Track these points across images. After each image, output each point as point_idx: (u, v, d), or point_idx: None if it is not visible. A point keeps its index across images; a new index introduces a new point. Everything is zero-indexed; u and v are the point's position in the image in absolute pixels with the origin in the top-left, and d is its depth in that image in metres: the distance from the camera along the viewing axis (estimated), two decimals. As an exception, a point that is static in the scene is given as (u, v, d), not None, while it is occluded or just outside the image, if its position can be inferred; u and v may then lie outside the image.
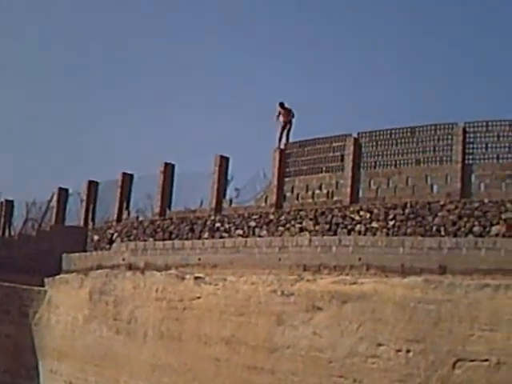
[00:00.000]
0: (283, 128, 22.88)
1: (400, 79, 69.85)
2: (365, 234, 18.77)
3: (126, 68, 78.38)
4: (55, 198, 30.39)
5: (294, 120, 23.17)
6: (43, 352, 24.14)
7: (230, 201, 23.75)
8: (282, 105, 23.16)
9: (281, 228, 20.90)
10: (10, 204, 33.53)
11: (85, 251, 26.66)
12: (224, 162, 24.37)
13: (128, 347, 20.68)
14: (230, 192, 24.28)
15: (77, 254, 25.95)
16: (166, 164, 26.15)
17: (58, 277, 25.27)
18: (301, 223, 20.45)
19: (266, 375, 17.14)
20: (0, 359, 24.48)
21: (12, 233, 32.21)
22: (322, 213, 19.99)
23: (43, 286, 25.47)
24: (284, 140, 22.94)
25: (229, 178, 24.52)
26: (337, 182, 20.68)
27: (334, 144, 21.14)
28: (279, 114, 23.17)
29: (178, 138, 71.04)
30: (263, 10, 74.32)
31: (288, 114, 23.06)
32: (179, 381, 18.97)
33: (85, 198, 29.11)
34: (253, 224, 21.83)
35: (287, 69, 73.36)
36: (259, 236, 20.97)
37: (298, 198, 21.52)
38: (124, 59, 75.83)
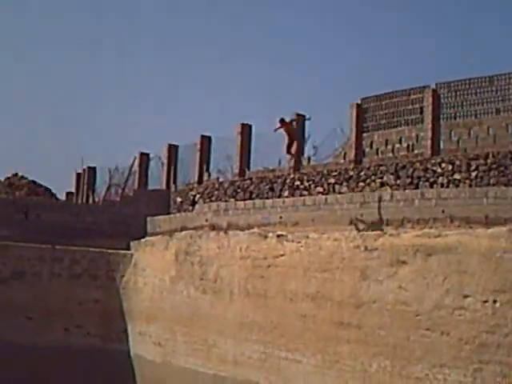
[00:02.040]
0: (290, 142, 21.82)
1: (473, 27, 68.40)
2: (447, 186, 18.62)
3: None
4: (137, 162, 30.89)
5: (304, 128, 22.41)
6: (131, 315, 24.63)
7: (309, 158, 23.78)
8: (282, 120, 22.24)
9: (361, 184, 20.87)
10: (92, 171, 34.27)
11: (168, 213, 27.09)
12: (300, 119, 24.37)
13: (215, 306, 20.97)
14: (307, 150, 24.33)
15: (161, 217, 26.34)
16: (244, 125, 26.31)
17: (143, 240, 25.69)
18: (381, 178, 20.39)
19: (353, 330, 17.21)
20: (89, 324, 24.98)
21: (96, 199, 32.90)
22: (403, 166, 19.87)
23: (129, 249, 25.95)
24: (293, 150, 22.04)
25: (306, 135, 24.52)
26: (417, 135, 20.53)
27: (412, 96, 20.96)
28: (278, 128, 22.34)
29: (254, 98, 71.25)
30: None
31: (289, 126, 22.06)
32: (267, 337, 19.18)
33: (166, 161, 29.54)
34: (332, 181, 21.84)
35: (360, 27, 72.52)
36: (339, 193, 20.98)
37: (377, 153, 21.45)
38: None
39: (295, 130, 21.50)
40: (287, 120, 21.56)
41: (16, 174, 40.41)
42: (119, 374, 23.81)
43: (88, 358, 24.22)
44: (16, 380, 23.89)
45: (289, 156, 21.33)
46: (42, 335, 24.69)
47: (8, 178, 40.16)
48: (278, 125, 21.86)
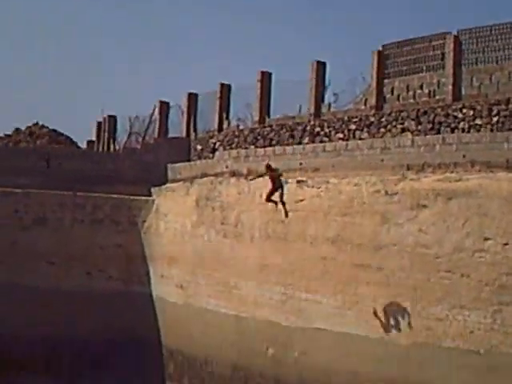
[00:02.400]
0: (273, 189, 19.14)
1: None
2: (468, 132, 18.66)
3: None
4: (157, 111, 31.01)
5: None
6: (153, 258, 24.94)
7: (329, 105, 23.82)
8: (268, 166, 19.53)
9: (382, 130, 20.93)
10: (113, 119, 34.42)
11: (189, 161, 27.29)
12: (321, 67, 24.35)
13: (236, 250, 21.22)
14: (328, 97, 24.38)
15: (181, 164, 26.54)
16: (263, 72, 26.31)
17: (164, 186, 25.92)
18: (402, 124, 20.42)
19: (373, 272, 17.41)
20: (112, 268, 25.35)
21: (117, 147, 33.14)
22: (424, 112, 19.90)
23: (150, 195, 26.20)
24: (275, 197, 19.18)
25: (326, 83, 24.53)
26: (438, 81, 20.52)
27: (433, 42, 20.90)
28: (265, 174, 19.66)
29: (273, 46, 70.97)
30: None
31: (274, 173, 19.23)
32: (287, 279, 19.44)
33: (185, 109, 29.64)
34: (353, 127, 21.90)
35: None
36: (360, 139, 21.04)
37: (398, 99, 21.49)
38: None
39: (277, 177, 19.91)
40: (273, 167, 20.23)
41: (37, 123, 40.61)
42: (142, 315, 24.23)
43: (111, 300, 24.62)
44: (41, 324, 24.35)
45: (267, 203, 19.96)
46: (64, 280, 25.10)
47: (29, 127, 40.36)
48: (265, 171, 19.66)
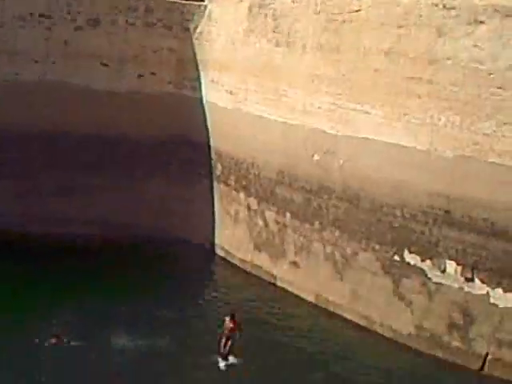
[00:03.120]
0: (228, 339, 18.31)
1: None
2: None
3: None
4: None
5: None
6: (205, 64, 24.93)
7: None
8: (232, 317, 18.49)
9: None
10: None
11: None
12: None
13: (287, 59, 21.21)
14: None
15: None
16: None
17: (217, -9, 25.61)
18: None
19: (425, 85, 17.40)
20: (164, 71, 25.41)
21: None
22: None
23: (203, 1, 25.84)
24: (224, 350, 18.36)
25: None
26: None
27: None
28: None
29: None
30: None
31: (235, 325, 18.39)
32: (337, 89, 19.53)
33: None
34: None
35: None
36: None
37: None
38: None
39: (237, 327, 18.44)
40: (237, 319, 18.54)
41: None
42: (192, 119, 24.67)
43: (162, 103, 24.96)
44: (92, 124, 24.76)
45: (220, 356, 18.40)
46: (117, 81, 25.27)
47: None
48: (227, 321, 18.69)
